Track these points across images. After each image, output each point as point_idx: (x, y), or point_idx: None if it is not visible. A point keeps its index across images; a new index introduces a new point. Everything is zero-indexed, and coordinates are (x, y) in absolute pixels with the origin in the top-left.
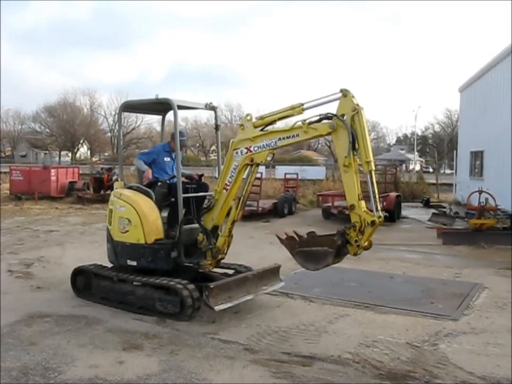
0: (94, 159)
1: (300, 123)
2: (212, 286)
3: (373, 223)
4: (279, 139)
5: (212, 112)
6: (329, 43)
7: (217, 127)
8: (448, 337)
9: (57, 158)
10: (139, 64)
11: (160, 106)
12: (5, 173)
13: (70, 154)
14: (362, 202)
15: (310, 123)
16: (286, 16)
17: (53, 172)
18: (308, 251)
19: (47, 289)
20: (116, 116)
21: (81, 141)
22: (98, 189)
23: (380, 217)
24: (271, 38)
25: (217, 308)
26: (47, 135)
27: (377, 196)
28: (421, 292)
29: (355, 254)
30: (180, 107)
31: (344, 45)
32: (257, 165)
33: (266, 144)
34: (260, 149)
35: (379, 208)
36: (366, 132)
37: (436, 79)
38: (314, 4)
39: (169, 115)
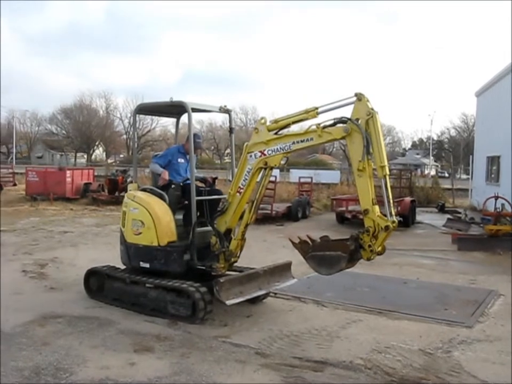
0: (109, 161)
1: (314, 127)
2: (222, 281)
3: (386, 228)
4: (293, 143)
5: (226, 115)
6: (345, 46)
7: (231, 130)
8: (462, 344)
9: (73, 160)
10: (154, 67)
11: (175, 109)
12: (21, 173)
13: (85, 155)
14: (376, 207)
15: (324, 127)
16: (301, 19)
17: (68, 173)
18: (321, 255)
19: (61, 290)
20: (131, 118)
21: (96, 143)
22: (112, 190)
23: (393, 222)
24: (286, 41)
25: (228, 302)
26: (63, 137)
27: (391, 201)
28: (434, 298)
29: (368, 259)
30: (194, 110)
31: (360, 48)
32: (271, 168)
33: (280, 148)
34: (273, 153)
35: (393, 213)
36: (380, 136)
37: (452, 83)
38: (329, 7)
39: (184, 118)
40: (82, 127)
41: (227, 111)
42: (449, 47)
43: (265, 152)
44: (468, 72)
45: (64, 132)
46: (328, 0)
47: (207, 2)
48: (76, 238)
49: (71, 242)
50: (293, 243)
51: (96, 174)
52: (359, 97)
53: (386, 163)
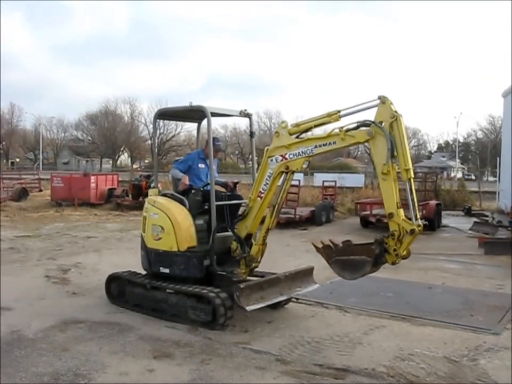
0: (134, 166)
1: (337, 130)
2: (242, 286)
3: (412, 231)
4: (315, 146)
5: (247, 119)
6: (370, 50)
7: (252, 134)
8: (489, 352)
9: (98, 165)
10: (178, 73)
11: (195, 114)
12: (46, 179)
13: (111, 161)
14: (401, 211)
15: (347, 130)
16: (325, 23)
17: (92, 179)
18: (345, 260)
19: (82, 295)
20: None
21: (122, 148)
22: (136, 195)
23: (419, 225)
24: (310, 45)
25: (248, 308)
26: (89, 143)
27: (416, 204)
28: (460, 303)
29: (393, 263)
30: (214, 114)
31: (385, 51)
32: (293, 172)
33: (302, 152)
34: (295, 157)
35: (418, 216)
36: (405, 139)
37: (478, 84)
38: (353, 12)
39: (205, 122)
40: (108, 133)
41: (247, 115)
42: (475, 47)
43: (287, 156)
44: (494, 72)
45: (89, 137)
46: (352, 3)
47: (231, 8)
48: (99, 243)
49: (94, 248)
50: (316, 248)
51: (120, 179)
52: (383, 100)
53: (411, 166)
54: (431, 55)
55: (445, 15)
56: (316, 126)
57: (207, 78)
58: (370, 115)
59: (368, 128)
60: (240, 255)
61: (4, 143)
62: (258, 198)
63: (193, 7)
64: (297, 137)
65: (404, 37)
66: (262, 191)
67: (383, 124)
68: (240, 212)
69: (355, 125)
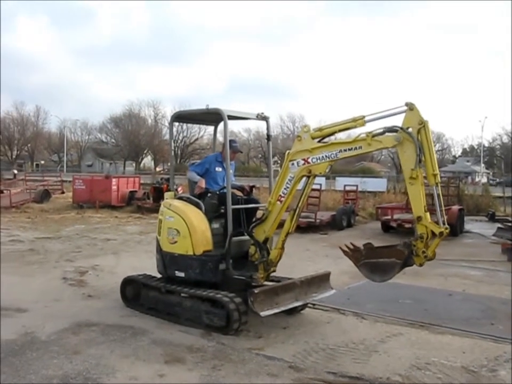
0: (157, 169)
1: (363, 135)
2: (256, 292)
3: (440, 234)
4: (340, 151)
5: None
6: (393, 54)
7: (268, 137)
8: (509, 363)
9: (122, 168)
10: (199, 77)
11: (211, 117)
12: (69, 181)
13: (134, 164)
14: (428, 214)
15: (374, 135)
16: (347, 27)
17: (114, 181)
18: (374, 262)
19: (98, 298)
20: (178, 126)
21: (145, 151)
22: (157, 198)
23: (446, 228)
24: (332, 49)
25: (263, 313)
26: (113, 145)
27: (443, 208)
28: (481, 311)
29: (421, 265)
30: (231, 117)
31: (408, 54)
32: (315, 176)
33: (326, 156)
34: (318, 161)
35: (445, 220)
36: (432, 145)
37: (503, 88)
38: (372, 14)
39: (222, 125)
40: (131, 136)
41: (264, 118)
42: (501, 50)
43: (309, 160)
44: None
45: (113, 140)
46: (371, 5)
47: (252, 12)
48: (118, 246)
49: (112, 250)
50: (344, 251)
51: (142, 182)
52: (411, 106)
53: (438, 171)
54: (455, 58)
55: (470, 15)
56: (340, 130)
57: (228, 81)
58: (392, 121)
59: (395, 134)
60: (260, 260)
61: (29, 145)
62: (278, 202)
63: (212, 11)
64: (319, 141)
65: (428, 39)
66: (282, 195)
67: (410, 130)
68: (258, 216)
69: (381, 130)
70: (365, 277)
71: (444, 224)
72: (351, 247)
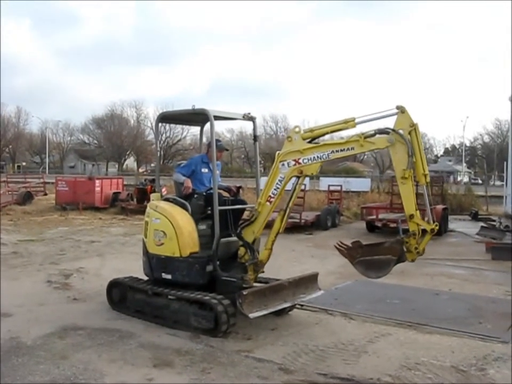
0: (140, 170)
1: (355, 137)
2: (245, 293)
3: (432, 230)
4: (332, 152)
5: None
6: (373, 53)
7: (255, 137)
8: (498, 361)
9: (104, 169)
10: (182, 79)
11: (197, 117)
12: (51, 183)
13: (117, 165)
14: (418, 212)
15: (366, 137)
16: (328, 28)
17: (97, 182)
18: (369, 260)
19: (83, 301)
20: (161, 127)
21: (128, 152)
22: (141, 199)
23: (436, 225)
24: (314, 50)
25: (251, 315)
26: (95, 146)
27: (432, 207)
28: (468, 310)
29: (413, 260)
30: (217, 117)
31: (390, 54)
32: (305, 176)
33: (318, 157)
34: (310, 161)
35: (434, 217)
36: (422, 146)
37: (484, 88)
38: (355, 16)
39: (208, 126)
40: (114, 137)
41: (251, 119)
42: (482, 51)
43: (300, 161)
44: (501, 76)
45: (96, 141)
46: (354, 8)
47: (235, 14)
48: (103, 248)
49: (97, 252)
50: (339, 250)
51: (126, 183)
52: (402, 109)
53: (428, 171)
54: (437, 58)
55: (451, 17)
56: (332, 131)
57: (211, 83)
58: (381, 123)
59: (387, 135)
60: (251, 261)
61: (10, 146)
62: (268, 203)
63: (197, 14)
64: (309, 142)
65: (409, 40)
66: (272, 196)
67: (401, 132)
68: (245, 217)
69: (372, 132)
70: (361, 274)
71: (433, 221)
72: (345, 245)
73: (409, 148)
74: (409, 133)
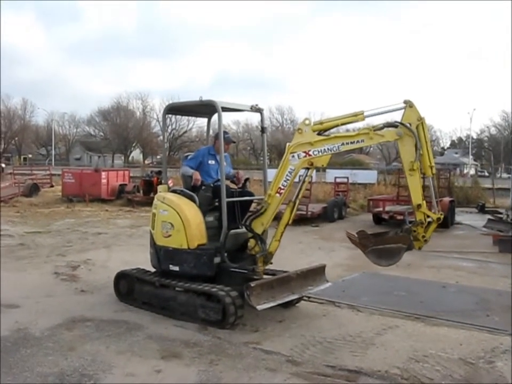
0: (146, 162)
1: (365, 129)
2: (253, 285)
3: (438, 219)
4: (342, 144)
5: (258, 115)
6: (381, 46)
7: (263, 129)
8: (506, 354)
9: (110, 161)
10: (187, 71)
11: (205, 109)
12: (58, 175)
13: (123, 157)
14: (425, 202)
15: (375, 130)
16: (336, 21)
17: (103, 174)
18: (381, 248)
19: (91, 293)
20: (167, 119)
21: (134, 144)
22: (147, 191)
23: (441, 214)
24: (320, 44)
25: (259, 307)
26: (101, 138)
27: (438, 197)
28: (475, 303)
29: (420, 248)
30: (225, 109)
31: (398, 47)
32: (314, 168)
33: (328, 149)
34: (320, 153)
35: (440, 207)
36: (428, 139)
37: (491, 80)
38: (362, 12)
39: (216, 117)
40: (120, 129)
41: (258, 110)
42: (489, 43)
43: (311, 153)
44: (508, 68)
45: (101, 133)
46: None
47: (239, 8)
48: (110, 240)
49: (104, 244)
50: (351, 240)
51: (132, 175)
52: (410, 104)
53: (434, 164)
54: (443, 50)
55: (461, 10)
56: (342, 124)
57: (216, 74)
58: (388, 117)
59: (396, 128)
60: (262, 253)
61: (16, 138)
62: (277, 194)
63: (200, 8)
64: (319, 134)
65: (416, 33)
66: (282, 187)
67: (410, 125)
68: (252, 209)
69: (381, 125)
70: (372, 263)
71: (438, 211)
72: (357, 235)
73: (417, 140)
74: (417, 127)
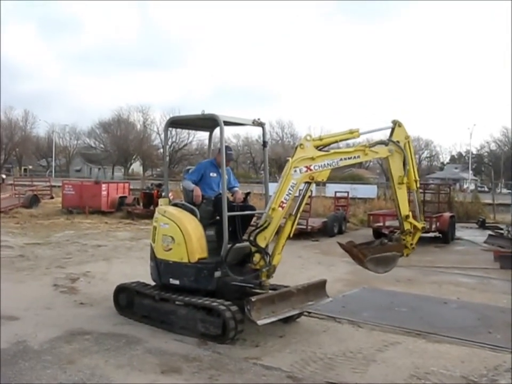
0: (146, 175)
1: (361, 146)
2: (253, 300)
3: (423, 228)
4: (341, 159)
5: (260, 129)
6: (381, 59)
7: (264, 143)
8: (509, 372)
9: (110, 173)
10: (187, 83)
11: (207, 122)
12: (58, 186)
13: (123, 169)
14: (411, 213)
15: (370, 146)
16: (335, 33)
17: (103, 186)
18: (378, 257)
19: (90, 306)
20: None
21: (134, 156)
22: (147, 204)
23: (424, 223)
24: (319, 56)
25: (260, 322)
26: (101, 150)
27: (422, 207)
28: (477, 319)
29: (407, 255)
30: (227, 123)
31: (397, 60)
32: (315, 182)
33: (328, 164)
34: (321, 168)
35: (423, 217)
36: (414, 156)
37: (491, 95)
38: (364, 22)
39: (217, 131)
40: (120, 141)
41: (260, 124)
42: (490, 58)
43: (312, 168)
44: (508, 84)
45: (102, 145)
46: (362, 14)
47: (236, 19)
48: (109, 252)
49: (104, 256)
50: (348, 251)
51: (132, 187)
52: (399, 123)
53: (418, 178)
54: (444, 65)
55: (461, 23)
56: (340, 140)
57: (216, 87)
58: (381, 134)
59: (388, 146)
60: (267, 267)
61: (17, 149)
62: (280, 208)
63: (200, 18)
64: (319, 149)
65: (417, 47)
66: (284, 201)
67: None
68: (253, 223)
69: (374, 142)
70: (371, 271)
71: (422, 220)
72: (346, 244)
73: (405, 156)
74: (404, 145)
